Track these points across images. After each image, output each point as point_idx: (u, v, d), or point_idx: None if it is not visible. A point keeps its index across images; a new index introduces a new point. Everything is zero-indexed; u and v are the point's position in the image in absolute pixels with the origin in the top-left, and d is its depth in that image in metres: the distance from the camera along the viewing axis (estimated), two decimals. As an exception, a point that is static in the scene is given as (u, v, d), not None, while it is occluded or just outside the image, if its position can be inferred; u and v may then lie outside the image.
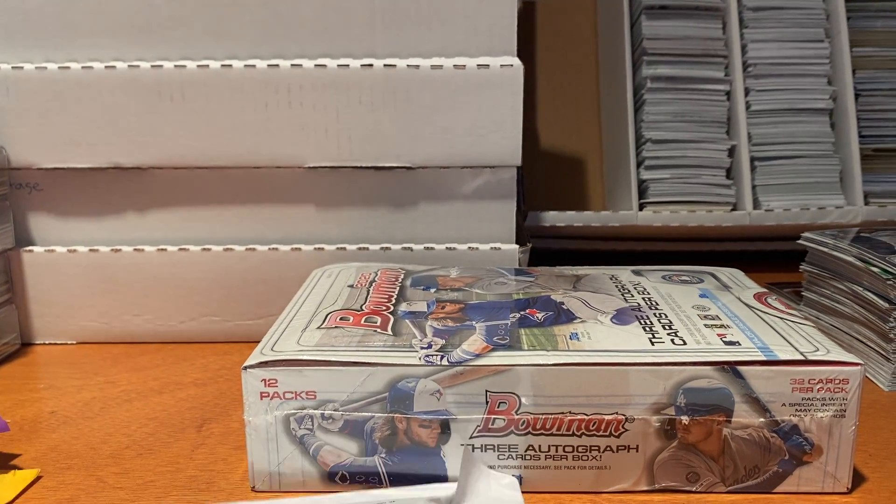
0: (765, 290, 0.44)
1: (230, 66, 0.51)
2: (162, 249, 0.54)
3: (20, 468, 0.38)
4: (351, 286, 0.45)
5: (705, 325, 0.37)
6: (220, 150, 0.52)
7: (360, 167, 0.53)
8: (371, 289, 0.44)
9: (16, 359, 0.53)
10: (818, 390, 0.33)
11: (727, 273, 0.47)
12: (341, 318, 0.39)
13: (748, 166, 0.67)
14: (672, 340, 0.35)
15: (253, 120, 0.52)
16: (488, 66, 0.51)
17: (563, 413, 0.33)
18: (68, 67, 0.51)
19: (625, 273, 0.47)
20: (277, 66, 0.51)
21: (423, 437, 0.34)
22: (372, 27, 0.51)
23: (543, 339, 0.35)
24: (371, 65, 0.51)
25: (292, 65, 0.51)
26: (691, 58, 0.68)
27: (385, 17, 0.51)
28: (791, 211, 0.65)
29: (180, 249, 0.54)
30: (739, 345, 0.34)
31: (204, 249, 0.54)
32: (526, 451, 0.34)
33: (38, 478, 0.37)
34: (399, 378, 0.33)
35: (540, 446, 0.34)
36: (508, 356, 0.33)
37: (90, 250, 0.54)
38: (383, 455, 0.34)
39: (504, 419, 0.33)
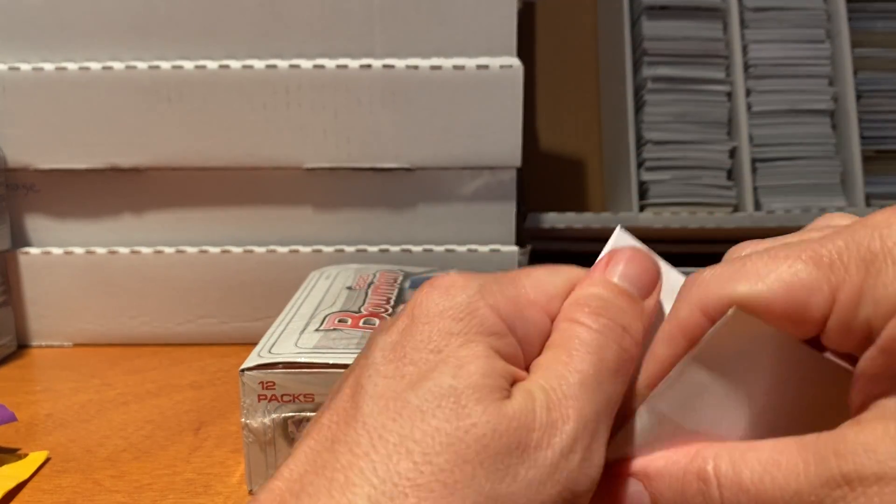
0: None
1: (228, 66, 0.51)
2: (159, 251, 0.53)
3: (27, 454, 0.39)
4: (349, 288, 0.44)
5: (707, 328, 0.37)
6: (218, 151, 0.52)
7: (359, 168, 0.53)
8: (370, 291, 0.43)
9: (12, 361, 0.53)
10: (821, 393, 0.32)
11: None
12: (339, 321, 0.38)
13: (749, 168, 0.67)
14: (673, 343, 0.34)
15: (251, 121, 0.51)
16: (488, 66, 0.51)
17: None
18: (65, 68, 0.51)
19: (625, 275, 0.47)
20: (275, 66, 0.51)
21: (421, 441, 0.33)
22: (371, 27, 0.51)
23: (543, 341, 0.35)
24: (370, 65, 0.51)
25: (290, 65, 0.51)
26: (692, 58, 0.68)
27: (384, 17, 0.51)
28: (792, 213, 0.65)
29: (177, 251, 0.53)
30: (741, 347, 0.34)
31: (201, 251, 0.53)
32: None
33: (48, 459, 0.38)
34: (398, 381, 0.33)
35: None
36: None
37: (87, 252, 0.53)
38: (382, 459, 0.34)
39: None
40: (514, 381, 0.18)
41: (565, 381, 0.18)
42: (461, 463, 0.16)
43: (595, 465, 0.17)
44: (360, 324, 0.38)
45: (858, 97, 0.68)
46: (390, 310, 0.40)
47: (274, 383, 0.33)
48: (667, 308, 0.21)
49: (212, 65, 0.51)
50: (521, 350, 0.19)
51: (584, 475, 0.17)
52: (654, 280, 0.21)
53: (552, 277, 0.21)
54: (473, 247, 0.53)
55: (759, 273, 0.17)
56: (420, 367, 0.18)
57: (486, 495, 0.16)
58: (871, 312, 0.16)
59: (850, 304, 0.17)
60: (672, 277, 0.22)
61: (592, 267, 0.21)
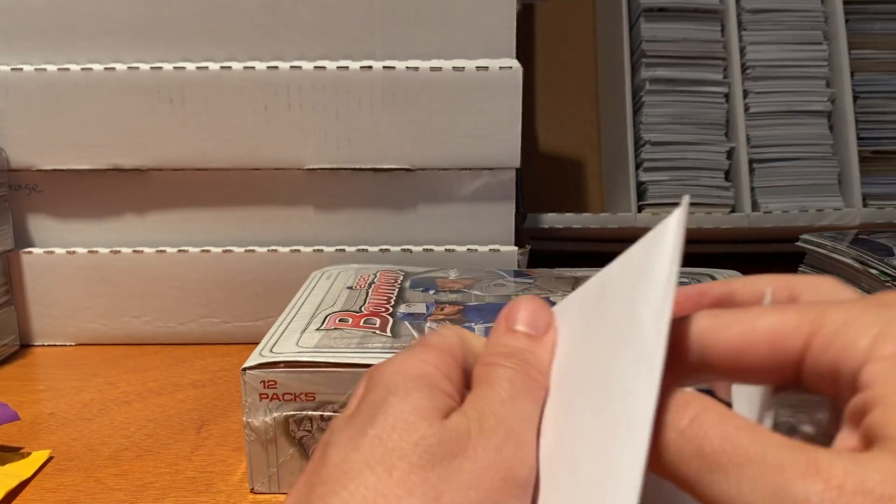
0: (763, 291, 0.44)
1: (229, 67, 0.51)
2: (161, 251, 0.54)
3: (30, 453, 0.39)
4: (350, 288, 0.45)
5: (704, 327, 0.37)
6: (220, 152, 0.52)
7: (360, 169, 0.53)
8: (370, 290, 0.44)
9: (15, 360, 0.53)
10: (816, 392, 0.33)
11: (725, 275, 0.47)
12: (340, 320, 0.39)
13: (747, 168, 0.67)
14: (671, 342, 0.35)
15: (252, 121, 0.52)
16: (487, 68, 0.51)
17: (561, 415, 0.33)
18: (68, 69, 0.51)
19: (624, 275, 0.47)
20: (277, 67, 0.51)
21: (422, 439, 0.34)
22: (371, 29, 0.51)
23: (542, 340, 0.35)
24: (370, 67, 0.51)
25: (292, 66, 0.51)
26: (690, 60, 0.68)
27: (384, 18, 0.51)
28: (789, 213, 0.65)
29: (179, 251, 0.54)
30: (738, 346, 0.34)
31: (203, 251, 0.54)
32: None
33: (51, 458, 0.39)
34: (398, 380, 0.33)
35: (539, 448, 0.34)
36: (507, 358, 0.33)
37: (89, 252, 0.54)
38: (382, 457, 0.34)
39: (503, 421, 0.33)
40: (451, 411, 0.22)
41: (490, 402, 0.22)
42: (416, 469, 0.20)
43: (527, 457, 0.21)
44: (361, 323, 0.38)
45: (855, 98, 0.68)
46: (391, 309, 0.40)
47: (275, 382, 0.34)
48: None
49: (214, 66, 0.51)
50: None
51: (521, 463, 0.21)
52: (547, 319, 0.26)
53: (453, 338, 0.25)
54: (473, 247, 0.54)
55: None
56: (373, 409, 0.21)
57: (440, 489, 0.19)
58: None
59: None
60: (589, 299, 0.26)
61: (497, 317, 0.26)
